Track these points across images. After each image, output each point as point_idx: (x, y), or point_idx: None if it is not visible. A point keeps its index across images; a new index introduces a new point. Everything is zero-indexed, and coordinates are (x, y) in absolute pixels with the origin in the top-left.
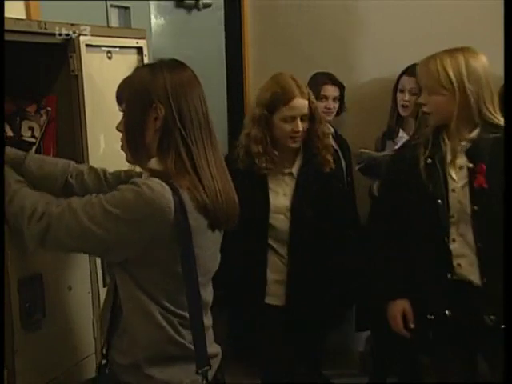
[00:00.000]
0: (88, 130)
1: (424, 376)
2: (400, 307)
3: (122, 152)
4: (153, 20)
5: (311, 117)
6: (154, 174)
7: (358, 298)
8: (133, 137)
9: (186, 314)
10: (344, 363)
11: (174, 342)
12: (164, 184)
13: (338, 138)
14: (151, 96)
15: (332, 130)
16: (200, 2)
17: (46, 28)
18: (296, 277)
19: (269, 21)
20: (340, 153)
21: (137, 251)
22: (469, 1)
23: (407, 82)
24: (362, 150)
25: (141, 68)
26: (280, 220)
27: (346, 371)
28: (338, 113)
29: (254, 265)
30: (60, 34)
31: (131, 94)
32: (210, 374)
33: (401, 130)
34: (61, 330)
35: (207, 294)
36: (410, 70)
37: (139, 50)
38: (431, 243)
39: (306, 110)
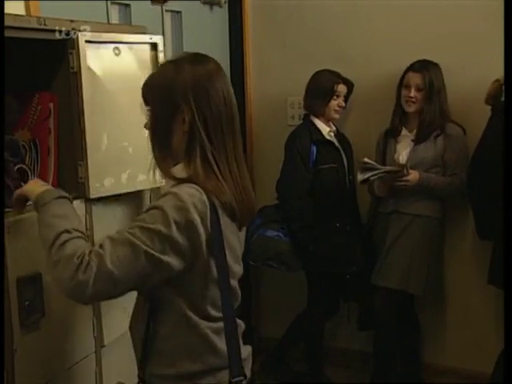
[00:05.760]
0: (89, 128)
1: (424, 376)
2: None
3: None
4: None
5: None
6: (181, 181)
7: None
8: (160, 139)
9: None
10: (344, 363)
11: (216, 351)
12: (197, 187)
13: (339, 135)
14: (177, 98)
15: (334, 127)
16: None
17: (45, 24)
18: None
19: (269, 20)
20: (342, 150)
21: (187, 260)
22: (470, 0)
23: (413, 78)
24: (366, 160)
25: (165, 65)
26: None
27: (347, 371)
28: None
29: None
30: (60, 32)
31: (157, 95)
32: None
33: (404, 128)
34: (60, 330)
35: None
36: (416, 66)
37: (139, 46)
38: None
39: None
